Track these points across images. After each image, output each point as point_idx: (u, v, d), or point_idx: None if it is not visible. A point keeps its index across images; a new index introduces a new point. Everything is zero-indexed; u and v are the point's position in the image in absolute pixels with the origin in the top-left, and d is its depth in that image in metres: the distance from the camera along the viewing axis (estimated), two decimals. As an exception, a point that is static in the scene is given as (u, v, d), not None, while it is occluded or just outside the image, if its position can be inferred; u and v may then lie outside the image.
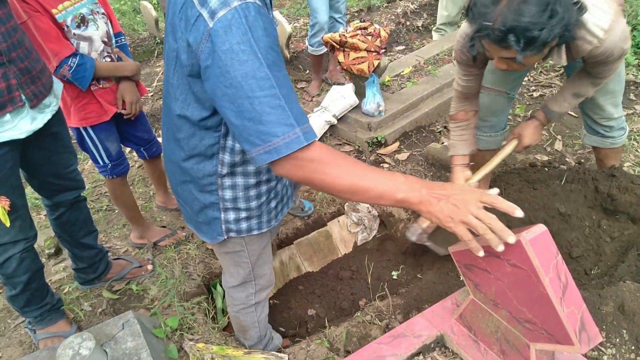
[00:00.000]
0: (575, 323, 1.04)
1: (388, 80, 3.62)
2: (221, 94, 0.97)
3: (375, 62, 2.97)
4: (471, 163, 2.00)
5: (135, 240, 2.46)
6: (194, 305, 2.06)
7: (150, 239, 2.44)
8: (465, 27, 1.71)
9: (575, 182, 2.22)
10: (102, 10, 1.99)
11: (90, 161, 2.25)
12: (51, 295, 1.89)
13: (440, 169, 2.87)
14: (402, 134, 3.22)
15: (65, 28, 1.83)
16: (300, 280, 2.51)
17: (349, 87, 3.23)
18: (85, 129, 2.04)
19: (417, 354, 1.39)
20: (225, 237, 1.39)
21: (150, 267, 2.26)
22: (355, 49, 2.95)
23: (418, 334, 1.41)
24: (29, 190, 1.71)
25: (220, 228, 1.36)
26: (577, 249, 1.92)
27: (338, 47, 3.04)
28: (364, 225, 2.66)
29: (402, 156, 3.01)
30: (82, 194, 1.98)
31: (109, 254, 2.28)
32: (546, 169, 2.60)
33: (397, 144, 3.14)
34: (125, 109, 2.12)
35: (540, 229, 1.03)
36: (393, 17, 5.26)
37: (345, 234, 2.68)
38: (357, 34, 2.97)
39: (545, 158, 2.91)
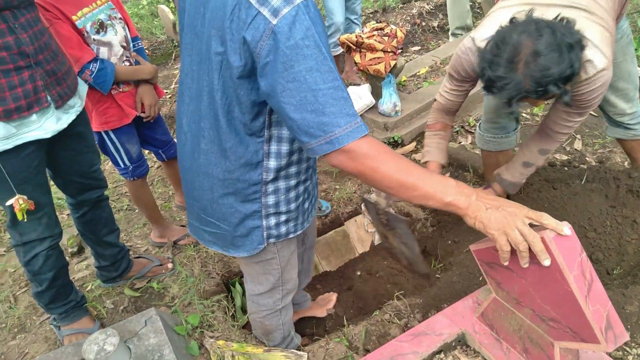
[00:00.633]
0: (602, 321, 1.03)
1: (404, 81, 3.62)
2: (281, 89, 0.98)
3: (392, 63, 2.97)
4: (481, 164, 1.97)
5: (155, 239, 2.49)
6: (213, 303, 2.08)
7: (170, 238, 2.47)
8: (467, 42, 1.65)
9: (596, 182, 2.20)
10: (119, 16, 2.00)
11: (110, 162, 2.29)
12: (75, 292, 1.93)
13: (457, 169, 2.86)
14: (418, 134, 3.21)
15: (85, 34, 1.85)
16: (318, 279, 2.52)
17: (365, 88, 3.23)
18: (106, 132, 2.07)
19: (439, 352, 1.38)
20: (266, 244, 1.37)
21: (170, 265, 2.29)
22: (372, 49, 2.96)
23: (439, 332, 1.41)
24: (52, 190, 1.75)
25: (262, 236, 1.35)
26: (599, 249, 1.89)
27: (355, 47, 3.04)
28: (381, 225, 2.65)
29: (419, 156, 3.00)
30: (104, 193, 2.01)
31: (130, 252, 2.32)
32: (566, 168, 2.57)
33: (414, 144, 3.14)
34: (144, 112, 2.14)
35: (564, 226, 1.02)
36: (408, 17, 5.24)
37: (362, 233, 2.69)
38: (373, 35, 2.97)
39: (565, 157, 2.88)
